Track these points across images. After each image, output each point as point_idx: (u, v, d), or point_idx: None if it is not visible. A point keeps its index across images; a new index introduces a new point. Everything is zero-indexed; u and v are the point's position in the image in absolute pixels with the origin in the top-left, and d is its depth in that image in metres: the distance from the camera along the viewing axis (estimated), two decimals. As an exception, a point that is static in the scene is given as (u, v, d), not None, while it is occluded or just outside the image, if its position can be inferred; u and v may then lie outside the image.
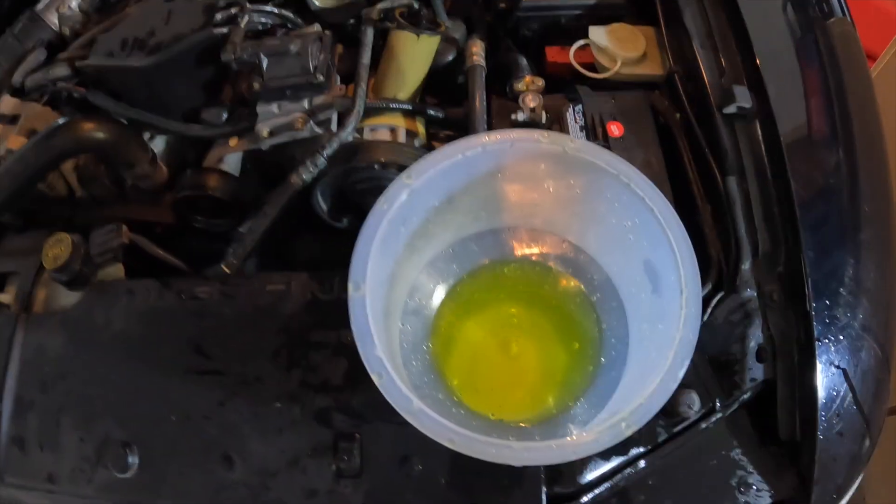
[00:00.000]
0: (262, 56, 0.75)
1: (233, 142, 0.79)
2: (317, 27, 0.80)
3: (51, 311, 0.75)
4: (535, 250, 0.64)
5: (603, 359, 0.59)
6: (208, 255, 0.78)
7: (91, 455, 0.66)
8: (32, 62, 0.88)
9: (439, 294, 0.64)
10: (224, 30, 0.77)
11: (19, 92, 0.88)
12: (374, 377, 0.46)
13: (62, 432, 0.68)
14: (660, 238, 0.52)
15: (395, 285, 0.57)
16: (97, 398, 0.68)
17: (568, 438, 0.44)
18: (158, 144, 0.85)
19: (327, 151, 0.73)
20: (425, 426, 0.44)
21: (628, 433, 0.44)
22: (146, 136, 0.83)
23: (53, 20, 0.91)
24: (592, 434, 0.44)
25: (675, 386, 0.46)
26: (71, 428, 0.68)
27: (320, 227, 0.84)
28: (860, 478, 0.68)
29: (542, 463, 0.52)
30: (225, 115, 0.80)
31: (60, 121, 0.76)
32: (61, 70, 0.85)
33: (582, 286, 0.62)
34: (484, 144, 0.53)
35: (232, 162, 0.82)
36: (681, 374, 0.47)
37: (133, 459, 0.65)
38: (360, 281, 0.48)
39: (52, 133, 0.75)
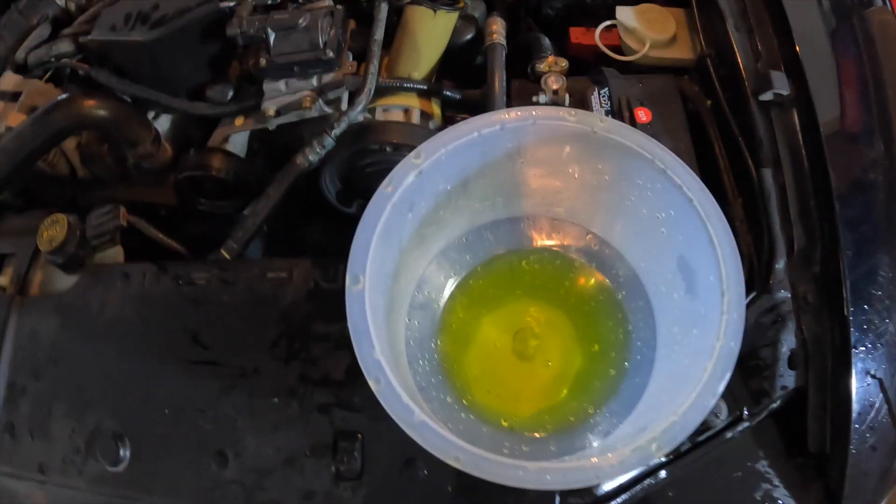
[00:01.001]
0: (270, 30, 0.68)
1: (238, 121, 0.74)
2: (328, 1, 0.73)
3: (47, 294, 0.70)
4: (556, 242, 0.57)
5: (627, 363, 0.52)
6: (214, 238, 0.72)
7: (82, 446, 0.62)
8: (36, 38, 0.83)
9: (450, 287, 0.57)
10: (231, 3, 0.71)
11: (23, 68, 0.83)
12: (371, 382, 0.40)
13: (54, 421, 0.64)
14: (698, 232, 0.44)
15: (401, 277, 0.50)
16: (90, 387, 0.64)
17: (590, 460, 0.37)
18: (163, 123, 0.79)
19: (335, 131, 0.67)
20: (428, 442, 0.38)
21: (659, 456, 0.38)
22: (150, 114, 0.78)
23: (60, -5, 0.86)
24: (617, 456, 0.37)
25: (713, 402, 0.39)
26: (63, 417, 0.63)
27: (330, 212, 0.78)
28: (890, 493, 0.62)
29: (558, 488, 0.46)
30: (231, 93, 0.74)
31: (60, 97, 0.70)
32: (64, 46, 0.79)
33: (606, 282, 0.55)
34: (503, 122, 0.46)
35: (238, 142, 0.76)
36: (721, 388, 0.40)
37: (125, 452, 0.61)
38: (360, 273, 0.42)
39: (50, 110, 0.70)
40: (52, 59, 0.79)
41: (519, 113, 0.46)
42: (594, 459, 0.37)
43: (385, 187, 0.44)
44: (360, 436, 0.57)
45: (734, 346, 0.41)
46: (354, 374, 0.58)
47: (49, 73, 0.80)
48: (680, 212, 0.46)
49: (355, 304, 0.41)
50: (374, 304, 0.42)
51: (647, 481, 0.57)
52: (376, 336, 0.40)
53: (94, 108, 0.70)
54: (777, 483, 0.59)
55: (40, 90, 0.78)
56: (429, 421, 0.38)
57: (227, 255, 0.67)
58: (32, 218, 0.73)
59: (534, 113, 0.47)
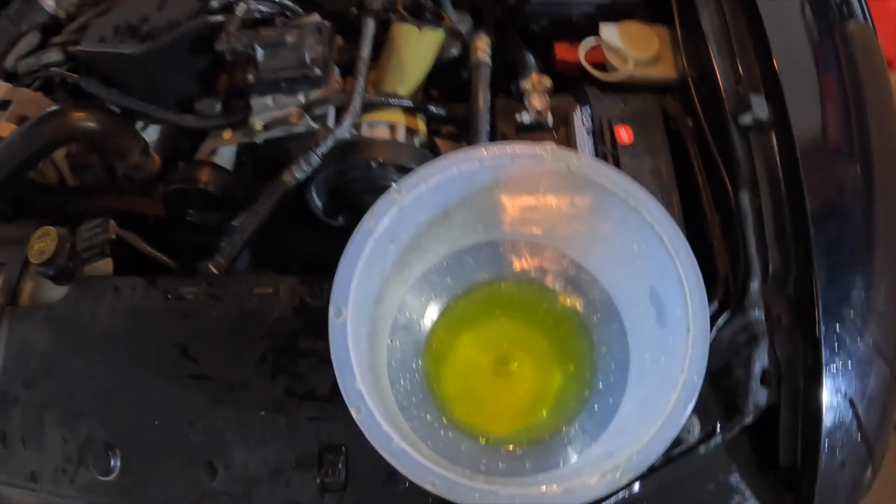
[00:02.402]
0: (257, 47, 0.70)
1: (226, 134, 0.75)
2: (316, 17, 0.75)
3: (37, 304, 0.71)
4: (535, 265, 0.59)
5: (601, 384, 0.55)
6: (203, 248, 0.74)
7: (74, 455, 0.64)
8: (26, 46, 0.83)
9: (432, 309, 0.59)
10: (220, 18, 0.72)
11: (12, 77, 0.83)
12: (352, 412, 0.42)
13: (46, 430, 0.65)
14: (667, 268, 0.47)
15: (384, 302, 0.52)
16: (81, 397, 0.65)
17: (554, 486, 0.40)
18: (152, 134, 0.80)
19: (321, 149, 0.69)
20: (405, 467, 0.41)
21: (623, 482, 0.40)
22: (140, 125, 0.79)
23: (49, 2, 0.86)
24: (583, 480, 0.40)
25: (675, 433, 0.42)
26: (54, 426, 0.65)
27: (317, 222, 0.80)
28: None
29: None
30: (219, 107, 0.75)
31: (50, 109, 0.72)
32: (54, 55, 0.80)
33: (581, 307, 0.58)
34: (482, 159, 0.48)
35: (226, 155, 0.77)
36: (682, 420, 0.43)
37: (115, 462, 0.63)
38: (342, 306, 0.44)
39: (40, 122, 0.71)
40: (42, 68, 0.80)
41: (497, 150, 0.48)
42: (561, 486, 0.40)
43: (367, 222, 0.46)
44: (344, 449, 0.59)
45: (697, 380, 0.44)
46: (339, 389, 0.61)
47: (39, 82, 0.81)
48: (651, 247, 0.48)
49: (338, 336, 0.43)
50: (356, 332, 0.45)
51: (621, 493, 0.58)
52: (358, 365, 0.43)
53: (84, 120, 0.72)
54: (749, 496, 0.61)
55: (30, 99, 0.79)
56: (406, 448, 0.41)
57: (214, 270, 0.69)
58: (22, 227, 0.75)
59: (510, 151, 0.49)
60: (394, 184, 0.49)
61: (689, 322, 0.45)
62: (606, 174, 0.48)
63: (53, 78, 0.81)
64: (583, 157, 0.49)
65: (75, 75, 0.78)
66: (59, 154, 0.79)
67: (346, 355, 0.43)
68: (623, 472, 0.40)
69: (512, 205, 0.54)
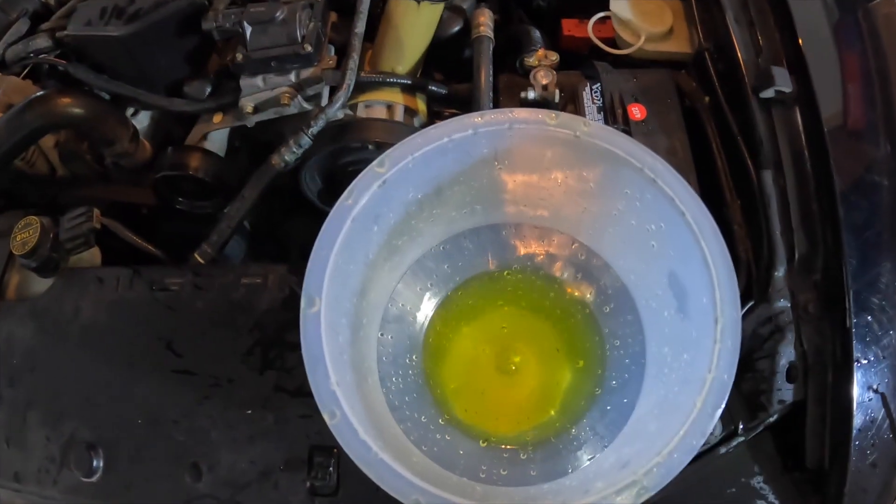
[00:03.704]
0: (245, 24, 0.63)
1: (216, 118, 0.68)
2: (308, -8, 0.68)
3: (23, 297, 0.66)
4: (541, 251, 0.52)
5: (614, 382, 0.47)
6: (197, 237, 0.68)
7: (57, 455, 0.58)
8: (14, 33, 0.77)
9: (427, 300, 0.52)
10: (208, -4, 0.66)
11: (1, 65, 0.78)
12: (325, 416, 0.35)
13: (29, 429, 0.60)
14: (691, 249, 0.39)
15: (370, 292, 0.45)
16: (64, 395, 0.59)
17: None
18: (142, 120, 0.74)
19: (312, 130, 0.62)
20: (385, 482, 0.33)
21: (640, 501, 0.33)
22: (129, 111, 0.73)
23: (39, -11, 0.80)
24: (593, 498, 0.33)
25: (702, 441, 0.34)
26: (38, 425, 0.59)
27: (315, 209, 0.73)
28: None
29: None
30: (209, 89, 0.69)
31: (35, 95, 0.66)
32: (42, 41, 0.73)
33: (592, 296, 0.50)
34: (475, 126, 0.41)
35: (217, 139, 0.70)
36: (710, 427, 0.35)
37: (98, 462, 0.57)
38: (315, 295, 0.37)
39: (25, 108, 0.65)
40: (30, 55, 0.74)
41: (493, 116, 0.41)
42: (568, 506, 0.32)
43: (345, 199, 0.39)
44: (335, 451, 0.53)
45: (727, 379, 0.36)
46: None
47: (27, 70, 0.75)
48: (671, 225, 0.41)
49: (310, 329, 0.36)
50: (334, 325, 0.37)
51: None
52: (333, 364, 0.36)
53: (70, 105, 0.65)
54: (773, 500, 0.54)
55: (17, 87, 0.73)
56: (387, 459, 0.34)
57: (201, 260, 0.62)
58: (10, 219, 0.69)
59: (510, 116, 0.41)
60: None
61: (718, 311, 0.37)
62: (619, 142, 0.41)
63: (42, 65, 0.74)
64: (592, 123, 0.41)
65: (63, 61, 0.72)
66: (49, 144, 0.74)
67: (318, 351, 0.36)
68: (641, 489, 0.33)
69: (513, 181, 0.47)
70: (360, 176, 0.40)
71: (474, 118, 0.41)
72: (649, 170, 0.40)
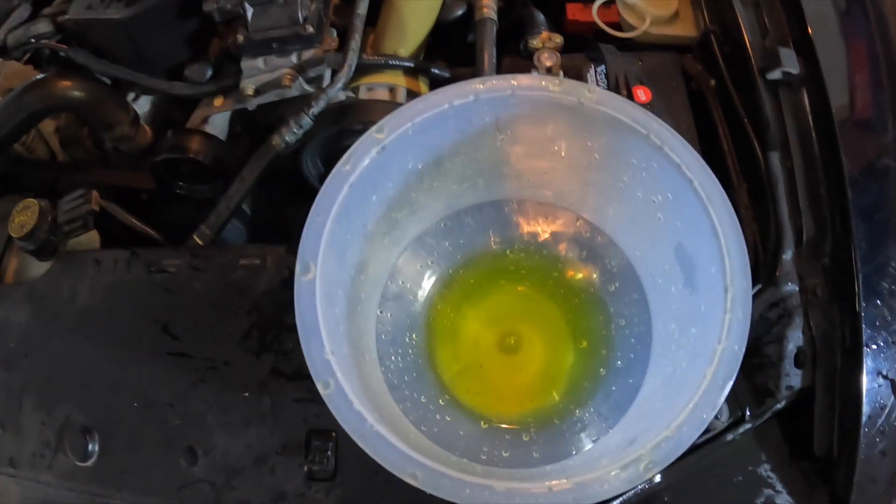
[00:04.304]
0: (247, 5, 0.61)
1: (217, 101, 0.67)
2: (311, -26, 0.66)
3: (21, 281, 0.64)
4: (545, 229, 0.50)
5: (619, 362, 0.45)
6: (198, 222, 0.66)
7: (52, 440, 0.57)
8: (16, 19, 0.76)
9: (428, 277, 0.50)
10: (209, -22, 0.64)
11: (2, 50, 0.76)
12: (319, 386, 0.33)
13: (24, 414, 0.58)
14: (699, 218, 0.37)
15: (370, 267, 0.43)
16: (59, 379, 0.58)
17: (563, 481, 0.31)
18: (143, 105, 0.72)
19: (313, 110, 0.60)
20: (380, 455, 0.32)
21: (648, 476, 0.31)
22: (131, 95, 0.72)
23: (40, -26, 0.79)
24: (599, 473, 0.31)
25: (712, 415, 0.33)
26: (33, 410, 0.58)
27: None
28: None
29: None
30: (210, 72, 0.67)
31: (34, 78, 0.64)
32: (43, 26, 0.72)
33: (597, 275, 0.48)
34: (477, 92, 0.39)
35: (218, 123, 0.69)
36: (721, 399, 0.33)
37: (93, 447, 0.56)
38: (311, 261, 0.35)
39: (24, 91, 0.63)
40: (31, 40, 0.73)
41: (495, 82, 0.39)
42: (572, 481, 0.30)
43: (342, 165, 0.37)
44: (333, 434, 0.51)
45: (738, 350, 0.34)
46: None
47: (28, 55, 0.74)
48: (678, 195, 0.39)
49: (304, 296, 0.34)
50: (330, 295, 0.36)
51: (640, 486, 0.50)
52: (327, 333, 0.34)
53: (69, 89, 0.64)
54: (780, 489, 0.52)
55: (18, 72, 0.72)
56: (382, 431, 0.32)
57: (199, 241, 0.60)
58: (9, 203, 0.68)
59: (513, 83, 0.39)
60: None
61: (728, 281, 0.35)
62: (625, 108, 0.39)
63: (43, 50, 0.73)
64: (597, 89, 0.39)
65: (64, 46, 0.71)
66: (49, 128, 0.72)
67: (312, 319, 0.34)
68: (648, 463, 0.31)
69: (516, 153, 0.45)
70: (358, 142, 0.39)
71: (476, 84, 0.39)
72: (655, 136, 0.38)
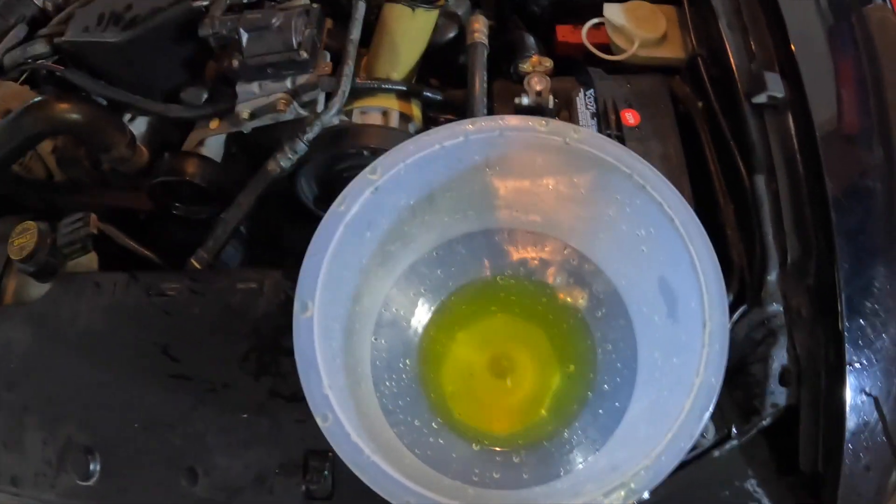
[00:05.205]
0: (242, 31, 0.63)
1: (213, 124, 0.68)
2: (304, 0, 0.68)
3: (21, 302, 0.66)
4: (534, 256, 0.52)
5: (606, 386, 0.47)
6: (196, 243, 0.68)
7: (54, 459, 0.58)
8: (12, 39, 0.77)
9: (421, 304, 0.52)
10: (205, 2, 0.66)
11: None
12: (318, 419, 0.35)
13: (26, 433, 0.60)
14: (680, 254, 0.39)
15: (364, 297, 0.45)
16: (61, 399, 0.60)
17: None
18: (139, 126, 0.74)
19: (308, 136, 0.62)
20: (378, 484, 0.34)
21: (628, 502, 0.33)
22: (127, 117, 0.73)
23: (36, -6, 0.81)
24: (583, 500, 0.33)
25: (690, 444, 0.35)
26: (35, 429, 0.60)
27: (313, 217, 0.73)
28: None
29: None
30: (205, 95, 0.69)
31: (32, 101, 0.66)
32: (40, 47, 0.74)
33: (584, 301, 0.50)
34: (466, 133, 0.41)
35: (214, 145, 0.71)
36: (698, 430, 0.35)
37: (95, 466, 0.57)
38: (308, 300, 0.37)
39: (22, 114, 0.65)
40: (28, 61, 0.74)
41: (485, 124, 0.41)
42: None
43: (338, 206, 0.39)
44: (330, 455, 0.53)
45: (715, 383, 0.36)
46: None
47: (24, 75, 0.75)
48: (660, 231, 0.41)
49: (303, 334, 0.36)
50: (327, 330, 0.37)
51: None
52: (325, 368, 0.36)
53: (67, 111, 0.65)
54: (767, 503, 0.54)
55: (15, 93, 0.73)
56: (379, 461, 0.34)
57: (197, 265, 0.62)
58: (7, 223, 0.69)
59: (501, 123, 0.41)
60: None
61: (706, 316, 0.37)
62: (609, 149, 0.41)
63: (40, 71, 0.75)
64: (582, 130, 0.41)
65: (60, 67, 0.72)
66: (46, 149, 0.74)
67: (311, 355, 0.36)
68: (629, 491, 0.33)
69: (505, 187, 0.47)
70: (352, 182, 0.41)
71: (466, 125, 0.41)
72: (638, 176, 0.40)
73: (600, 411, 0.46)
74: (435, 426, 0.47)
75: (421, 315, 0.51)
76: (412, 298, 0.51)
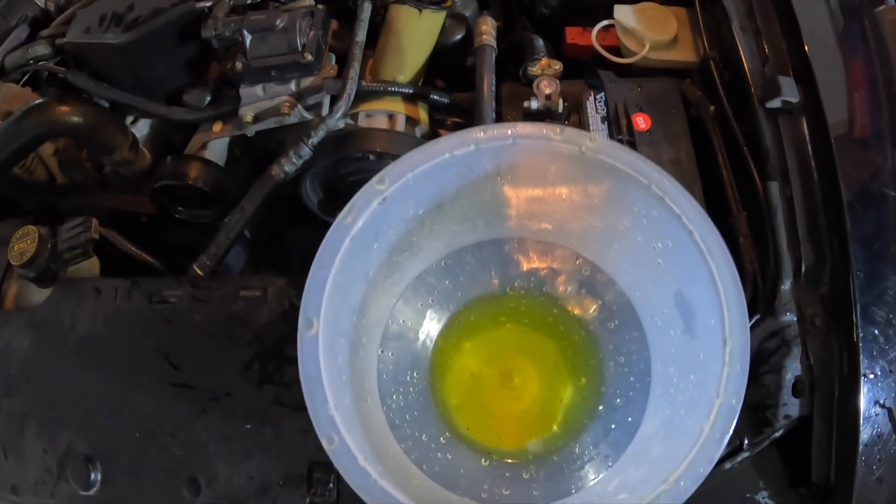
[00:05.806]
0: (245, 32, 0.62)
1: (216, 127, 0.67)
2: (309, 1, 0.67)
3: (21, 307, 0.65)
4: (544, 266, 0.50)
5: (618, 400, 0.46)
6: (198, 246, 0.67)
7: (54, 467, 0.57)
8: (14, 40, 0.76)
9: (429, 316, 0.51)
10: (207, 3, 0.65)
11: (0, 72, 0.77)
12: (323, 442, 0.34)
13: (26, 441, 0.59)
14: (699, 269, 0.38)
15: (371, 310, 0.44)
16: (61, 406, 0.59)
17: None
18: (142, 128, 0.73)
19: (313, 140, 0.61)
20: (385, 510, 0.33)
21: (646, 532, 0.32)
22: (129, 119, 0.72)
23: (39, -5, 0.79)
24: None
25: (709, 469, 0.33)
26: (35, 436, 0.58)
27: (318, 221, 0.72)
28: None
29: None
30: (208, 98, 0.67)
31: (33, 103, 0.65)
32: (41, 48, 0.73)
33: (596, 312, 0.49)
34: (477, 141, 0.39)
35: (216, 148, 0.69)
36: (718, 453, 0.34)
37: (96, 476, 0.56)
38: (314, 317, 0.36)
39: (23, 116, 0.64)
40: (30, 62, 0.73)
41: (496, 131, 0.40)
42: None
43: (344, 218, 0.38)
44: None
45: (735, 404, 0.35)
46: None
47: (26, 77, 0.74)
48: (679, 244, 0.39)
49: (308, 351, 0.35)
50: (333, 346, 0.36)
51: None
52: (330, 387, 0.35)
53: (69, 113, 0.64)
54: (778, 515, 0.53)
55: (16, 94, 0.72)
56: (387, 486, 0.33)
57: (199, 272, 0.61)
58: (8, 226, 0.68)
59: (514, 131, 0.40)
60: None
61: (726, 334, 0.36)
62: (626, 158, 0.39)
63: (41, 72, 0.73)
64: (598, 138, 0.40)
65: (62, 68, 0.71)
66: (48, 151, 0.73)
67: (316, 374, 0.35)
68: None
69: (516, 196, 0.45)
70: (359, 193, 0.39)
71: (476, 133, 0.40)
72: (657, 187, 0.39)
73: (612, 426, 0.45)
74: (443, 441, 0.46)
75: (428, 326, 0.50)
76: (420, 310, 0.50)
